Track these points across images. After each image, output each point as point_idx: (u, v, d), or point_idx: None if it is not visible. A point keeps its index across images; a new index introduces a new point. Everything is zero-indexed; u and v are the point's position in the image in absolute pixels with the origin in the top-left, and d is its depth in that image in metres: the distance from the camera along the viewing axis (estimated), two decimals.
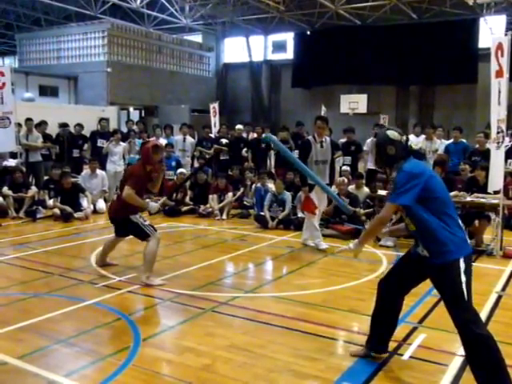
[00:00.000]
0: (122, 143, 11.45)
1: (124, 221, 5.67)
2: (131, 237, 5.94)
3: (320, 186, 6.67)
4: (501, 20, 21.13)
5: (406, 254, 3.73)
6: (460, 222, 3.38)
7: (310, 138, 7.39)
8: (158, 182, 5.88)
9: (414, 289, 3.76)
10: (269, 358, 3.78)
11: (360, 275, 5.93)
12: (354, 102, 23.12)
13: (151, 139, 7.25)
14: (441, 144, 10.24)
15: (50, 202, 9.43)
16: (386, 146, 3.52)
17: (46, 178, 10.81)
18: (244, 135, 12.74)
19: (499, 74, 6.79)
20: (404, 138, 3.58)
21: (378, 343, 3.78)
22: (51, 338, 4.09)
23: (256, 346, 3.97)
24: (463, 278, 3.20)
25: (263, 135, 8.19)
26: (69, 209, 9.16)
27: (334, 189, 8.77)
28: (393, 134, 3.56)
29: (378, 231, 3.68)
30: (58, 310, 4.69)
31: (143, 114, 25.34)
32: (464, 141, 10.48)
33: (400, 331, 4.23)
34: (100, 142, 11.54)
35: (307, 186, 7.14)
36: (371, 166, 10.33)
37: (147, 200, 6.15)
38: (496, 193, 7.12)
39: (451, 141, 10.21)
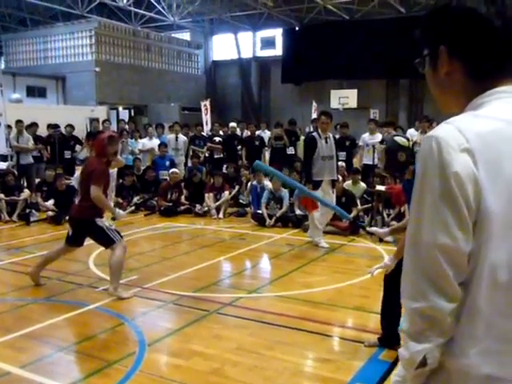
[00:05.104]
0: None
1: (87, 224, 5.16)
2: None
3: (314, 198, 6.63)
4: None
5: None
6: None
7: (314, 134, 7.27)
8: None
9: None
10: (278, 360, 3.71)
11: (363, 272, 5.84)
12: (345, 97, 23.12)
13: (107, 131, 6.74)
14: None
15: (42, 203, 9.34)
16: (397, 153, 3.53)
17: (37, 180, 10.67)
18: (238, 133, 12.65)
19: None
20: (411, 143, 3.64)
21: (391, 337, 3.77)
22: (54, 346, 4.00)
23: (264, 348, 3.91)
24: None
25: (253, 165, 8.05)
26: (51, 206, 9.07)
27: None
28: (401, 140, 3.59)
29: None
30: (59, 315, 4.59)
31: (133, 114, 25.14)
32: None
33: None
34: None
35: (312, 183, 7.03)
36: (367, 161, 10.28)
37: (117, 209, 5.76)
38: None
39: None
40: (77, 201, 5.40)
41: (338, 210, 6.67)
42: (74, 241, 5.41)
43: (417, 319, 1.12)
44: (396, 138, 3.62)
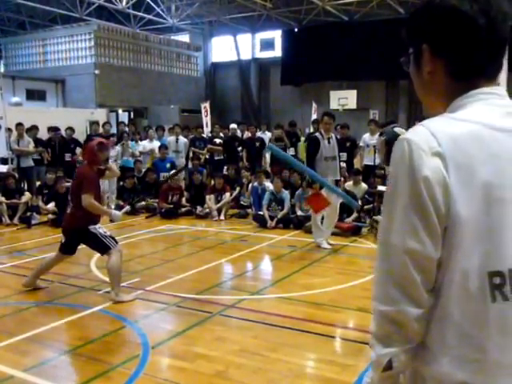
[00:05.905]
0: (115, 147, 11.32)
1: (81, 232, 5.13)
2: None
3: (325, 186, 6.60)
4: None
5: None
6: None
7: (317, 134, 7.26)
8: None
9: None
10: (282, 362, 3.70)
11: (365, 273, 5.86)
12: (344, 98, 23.10)
13: (97, 138, 6.60)
14: None
15: (43, 205, 9.31)
16: None
17: (38, 183, 10.66)
18: (238, 134, 12.65)
19: None
20: None
21: None
22: (57, 349, 3.99)
23: (268, 350, 3.89)
24: None
25: (266, 147, 8.11)
26: (52, 209, 9.05)
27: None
28: (400, 131, 3.58)
29: None
30: (62, 318, 4.58)
31: (132, 116, 25.12)
32: None
33: None
34: None
35: (318, 183, 7.00)
36: (367, 161, 10.27)
37: (112, 211, 5.69)
38: None
39: None
40: (69, 210, 5.36)
41: (347, 198, 6.66)
42: (67, 249, 5.37)
43: (383, 322, 1.11)
44: (395, 129, 3.61)
